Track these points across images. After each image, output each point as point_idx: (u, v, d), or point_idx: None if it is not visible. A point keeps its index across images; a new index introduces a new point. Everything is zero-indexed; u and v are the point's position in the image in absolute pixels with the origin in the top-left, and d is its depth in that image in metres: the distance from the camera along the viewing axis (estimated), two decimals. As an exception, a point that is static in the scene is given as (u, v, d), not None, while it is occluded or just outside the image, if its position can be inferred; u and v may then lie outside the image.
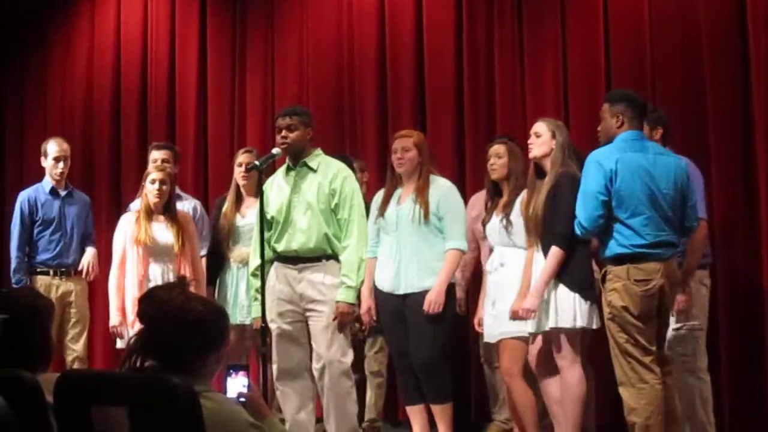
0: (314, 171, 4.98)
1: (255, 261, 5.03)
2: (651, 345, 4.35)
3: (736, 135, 5.53)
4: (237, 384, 2.75)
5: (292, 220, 4.96)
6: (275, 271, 5.02)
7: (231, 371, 2.78)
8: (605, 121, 4.54)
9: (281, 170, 5.14)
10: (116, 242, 5.59)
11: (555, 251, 4.52)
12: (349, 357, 4.92)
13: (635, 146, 4.40)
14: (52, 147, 6.14)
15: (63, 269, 6.03)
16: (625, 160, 4.33)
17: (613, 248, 4.35)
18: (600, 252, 4.50)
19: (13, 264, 5.98)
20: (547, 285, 4.54)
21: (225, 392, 2.76)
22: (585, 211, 4.35)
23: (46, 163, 6.15)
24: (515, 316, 4.65)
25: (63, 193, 6.17)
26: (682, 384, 4.84)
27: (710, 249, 5.10)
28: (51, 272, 6.00)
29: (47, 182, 6.16)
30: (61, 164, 6.12)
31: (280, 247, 4.99)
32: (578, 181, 4.60)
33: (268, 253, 5.00)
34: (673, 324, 4.81)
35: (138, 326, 2.48)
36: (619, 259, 4.33)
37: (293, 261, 4.97)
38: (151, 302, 2.51)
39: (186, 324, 2.44)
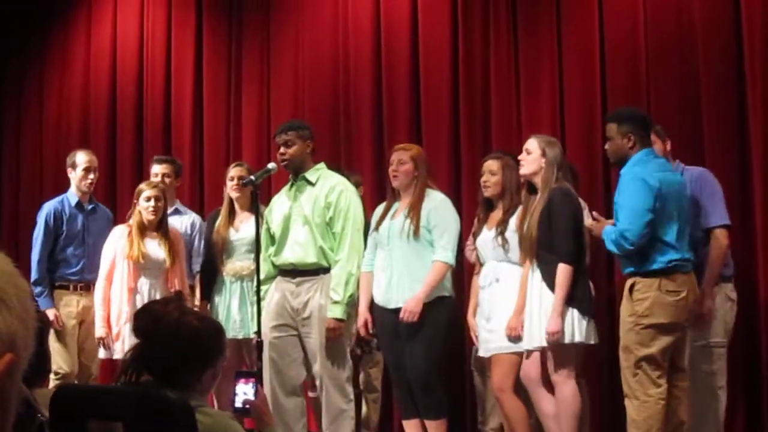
0: (312, 185, 4.99)
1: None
2: (664, 360, 4.39)
3: (732, 150, 5.53)
4: (245, 391, 2.77)
5: (290, 233, 4.97)
6: (275, 285, 5.03)
7: (240, 378, 2.80)
8: (615, 141, 4.57)
9: (286, 186, 5.15)
10: (105, 254, 5.57)
11: (564, 268, 4.53)
12: (345, 373, 4.89)
13: (662, 165, 4.49)
14: (82, 157, 6.00)
15: (83, 284, 5.90)
16: (665, 179, 4.42)
17: (647, 263, 4.39)
18: (627, 266, 4.49)
19: (36, 275, 5.79)
20: (564, 302, 4.52)
21: (233, 398, 2.77)
22: (634, 227, 4.35)
23: (74, 174, 5.98)
24: (513, 333, 4.68)
25: (88, 207, 6.03)
26: (699, 400, 4.79)
27: (731, 260, 5.03)
28: (71, 287, 5.88)
29: (72, 195, 6.00)
30: (91, 175, 5.98)
31: (279, 260, 5.00)
32: (571, 196, 4.64)
33: (271, 269, 5.00)
34: (696, 340, 4.82)
35: (124, 338, 2.49)
36: (651, 272, 4.38)
37: (291, 274, 4.97)
38: (146, 317, 2.50)
39: (181, 339, 2.43)
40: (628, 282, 4.47)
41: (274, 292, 5.00)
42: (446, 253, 4.94)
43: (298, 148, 4.99)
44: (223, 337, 2.59)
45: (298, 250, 4.93)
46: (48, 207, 5.98)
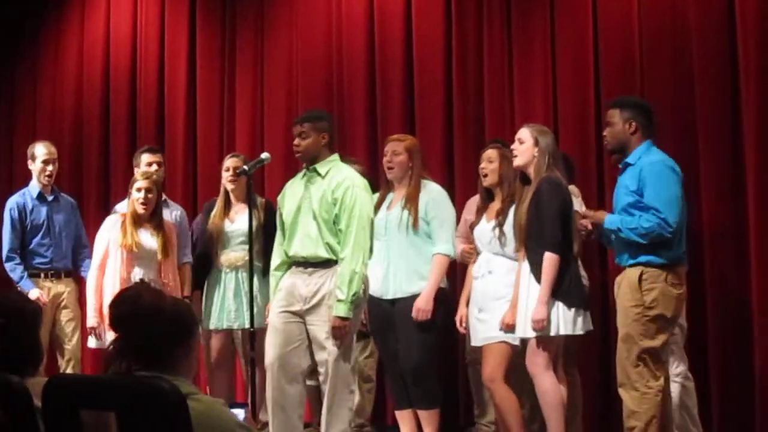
0: (322, 177, 4.80)
1: (274, 262, 4.95)
2: (664, 353, 4.39)
3: (725, 141, 5.52)
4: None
5: (299, 226, 4.80)
6: (290, 273, 4.86)
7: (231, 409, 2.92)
8: (615, 126, 4.56)
9: (300, 173, 4.99)
10: (98, 243, 5.58)
11: (550, 257, 4.51)
12: (349, 364, 4.73)
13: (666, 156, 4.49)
14: (41, 150, 6.09)
15: (53, 272, 6.01)
16: (679, 170, 4.46)
17: (664, 253, 4.38)
18: (637, 255, 4.43)
19: (9, 265, 5.95)
20: (551, 291, 4.51)
21: None
22: (674, 214, 4.36)
23: (34, 166, 6.09)
24: (507, 327, 4.66)
25: (50, 198, 6.13)
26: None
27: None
28: (42, 275, 5.98)
29: (34, 187, 6.10)
30: (50, 167, 6.07)
31: (290, 252, 4.83)
32: (560, 185, 4.61)
33: (285, 256, 4.89)
34: None
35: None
36: (660, 263, 4.37)
37: (303, 265, 4.80)
38: (123, 304, 2.53)
39: (162, 318, 2.46)
40: (634, 271, 4.39)
41: (287, 279, 4.84)
42: (447, 246, 4.97)
43: (312, 141, 4.79)
44: (193, 310, 2.68)
45: (309, 243, 4.76)
46: (11, 202, 6.11)
